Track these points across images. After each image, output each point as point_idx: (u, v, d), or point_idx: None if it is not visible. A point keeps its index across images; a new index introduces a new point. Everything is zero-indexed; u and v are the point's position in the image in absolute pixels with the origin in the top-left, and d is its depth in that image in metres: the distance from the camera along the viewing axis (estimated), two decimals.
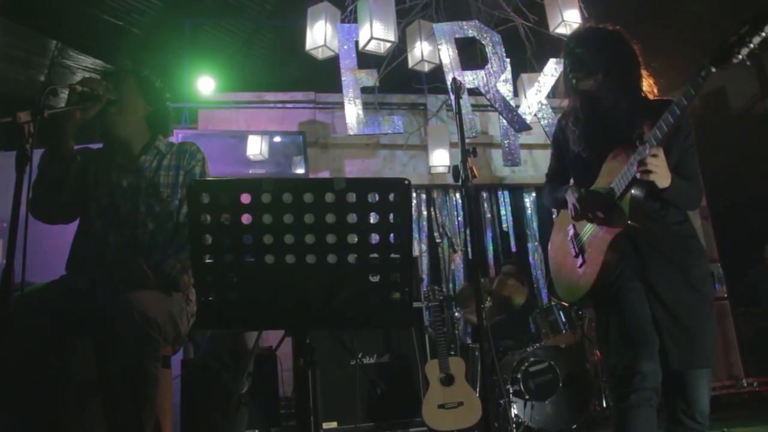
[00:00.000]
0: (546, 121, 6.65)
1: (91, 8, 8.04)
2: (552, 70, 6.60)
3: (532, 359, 5.16)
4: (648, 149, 2.43)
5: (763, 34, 2.15)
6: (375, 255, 1.84)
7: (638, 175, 2.45)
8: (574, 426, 5.05)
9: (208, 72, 7.59)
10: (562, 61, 2.95)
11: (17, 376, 2.40)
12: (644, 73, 2.78)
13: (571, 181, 3.00)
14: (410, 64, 6.48)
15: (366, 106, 6.54)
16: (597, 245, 2.65)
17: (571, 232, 2.83)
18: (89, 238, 2.81)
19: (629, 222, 2.52)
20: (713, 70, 2.26)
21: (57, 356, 2.57)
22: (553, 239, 3.07)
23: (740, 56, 2.19)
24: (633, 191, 2.51)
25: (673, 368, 2.49)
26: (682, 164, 2.62)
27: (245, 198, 1.79)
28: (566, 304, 5.54)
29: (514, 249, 8.07)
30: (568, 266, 2.83)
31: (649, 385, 2.44)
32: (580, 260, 2.73)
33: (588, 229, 2.74)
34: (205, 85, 7.50)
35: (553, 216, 7.20)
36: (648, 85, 2.80)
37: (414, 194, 7.65)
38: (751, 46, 2.17)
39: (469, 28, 6.45)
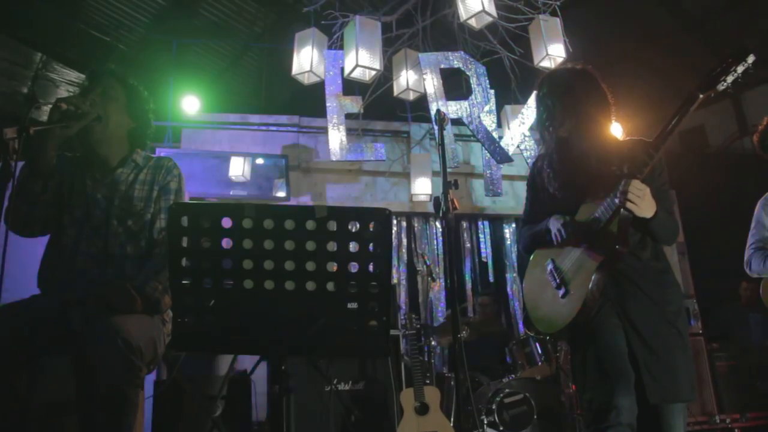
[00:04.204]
0: (529, 153, 6.71)
1: (78, 22, 8.02)
2: (535, 102, 6.68)
3: (507, 390, 5.15)
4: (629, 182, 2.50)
5: (746, 64, 2.40)
6: (354, 283, 1.85)
7: (617, 201, 2.52)
8: None
9: (193, 91, 7.55)
10: (535, 105, 3.03)
11: None
12: (614, 115, 2.86)
13: None
14: (395, 92, 6.52)
15: (349, 132, 6.56)
16: (582, 272, 2.65)
17: (550, 266, 2.83)
18: (60, 246, 2.78)
19: (617, 247, 2.56)
20: (701, 96, 2.45)
21: (27, 377, 2.54)
22: (529, 274, 3.05)
23: (726, 83, 2.42)
24: (622, 212, 2.56)
25: (650, 402, 2.50)
26: (658, 201, 2.67)
27: (226, 222, 1.79)
28: (542, 336, 5.54)
29: (492, 279, 8.09)
30: (548, 298, 2.82)
31: (624, 420, 2.45)
32: (562, 290, 2.73)
33: (570, 259, 2.75)
34: (190, 104, 7.47)
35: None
36: (619, 127, 2.88)
37: (394, 221, 7.65)
38: (735, 74, 2.41)
39: (455, 59, 6.52)
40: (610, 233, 2.59)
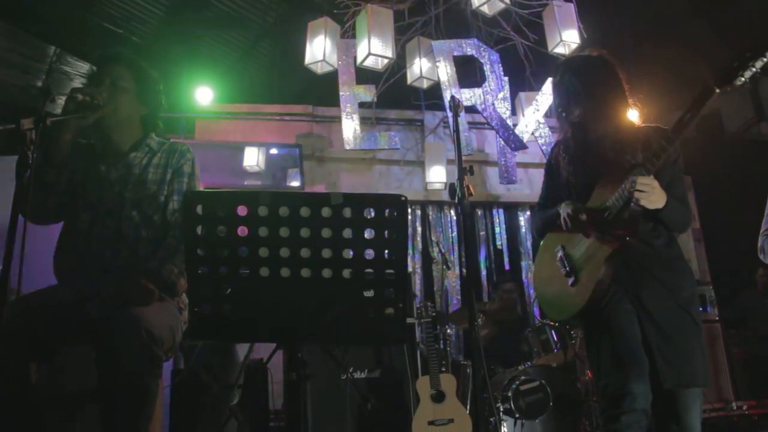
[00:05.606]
0: (543, 140, 6.69)
1: (91, 15, 8.03)
2: (550, 89, 6.64)
3: (523, 378, 5.14)
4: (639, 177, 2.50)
5: (765, 59, 2.34)
6: (370, 270, 1.84)
7: (633, 200, 2.50)
8: None
9: (206, 82, 7.54)
10: (552, 91, 3.03)
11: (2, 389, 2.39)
12: (631, 101, 2.85)
13: None
14: (409, 80, 6.51)
15: (363, 121, 6.56)
16: (593, 262, 2.66)
17: (561, 253, 2.84)
18: (75, 232, 2.79)
19: (627, 238, 2.55)
20: (717, 90, 2.42)
21: (46, 367, 2.56)
22: (539, 258, 3.08)
23: (743, 78, 2.38)
24: (633, 205, 2.55)
25: (664, 387, 2.51)
26: (672, 188, 2.66)
27: (242, 210, 1.79)
28: (553, 323, 5.53)
29: (507, 267, 8.07)
30: (557, 284, 2.83)
31: (639, 406, 2.45)
32: (571, 279, 2.74)
33: (580, 248, 2.75)
34: (203, 95, 7.46)
35: None
36: (635, 113, 2.87)
37: (409, 210, 7.65)
38: (753, 69, 2.36)
39: (468, 46, 6.49)
40: (621, 224, 2.59)
